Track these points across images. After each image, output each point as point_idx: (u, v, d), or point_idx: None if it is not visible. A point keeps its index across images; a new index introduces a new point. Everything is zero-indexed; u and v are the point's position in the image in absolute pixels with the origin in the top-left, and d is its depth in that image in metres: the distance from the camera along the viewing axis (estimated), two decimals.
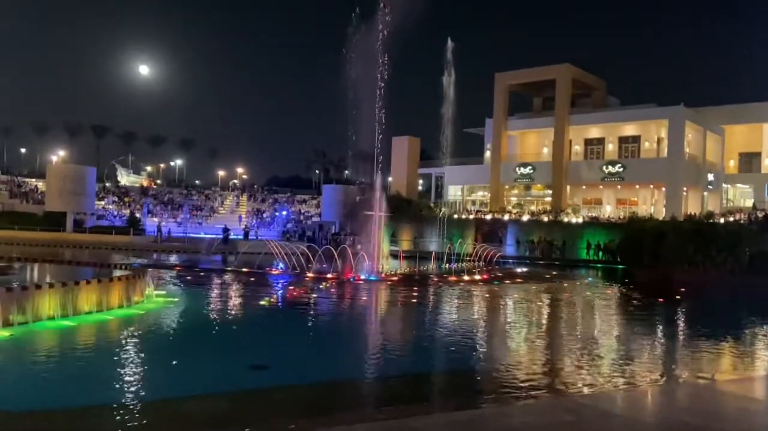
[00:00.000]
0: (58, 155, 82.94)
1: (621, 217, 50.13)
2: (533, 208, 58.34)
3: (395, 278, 27.27)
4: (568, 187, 56.57)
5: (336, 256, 29.08)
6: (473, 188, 65.77)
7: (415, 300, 21.75)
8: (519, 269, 35.89)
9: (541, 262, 42.52)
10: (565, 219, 49.95)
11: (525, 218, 52.53)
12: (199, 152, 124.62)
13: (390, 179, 70.20)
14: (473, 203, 64.33)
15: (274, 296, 22.17)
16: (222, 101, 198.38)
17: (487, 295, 23.96)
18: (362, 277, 26.45)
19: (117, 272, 17.67)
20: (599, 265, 41.44)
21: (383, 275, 27.89)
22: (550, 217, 51.18)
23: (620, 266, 38.94)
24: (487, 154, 63.00)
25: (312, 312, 18.56)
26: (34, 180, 66.51)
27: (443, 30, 79.41)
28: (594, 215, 53.14)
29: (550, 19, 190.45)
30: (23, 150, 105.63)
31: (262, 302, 19.47)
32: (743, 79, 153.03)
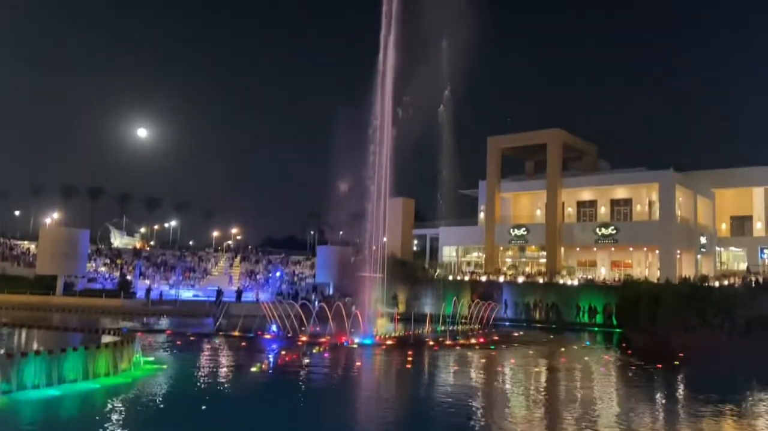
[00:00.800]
0: (51, 218, 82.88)
1: (616, 279, 49.99)
2: (528, 269, 58.20)
3: (390, 342, 26.82)
4: (563, 249, 56.64)
5: (330, 318, 28.67)
6: (468, 249, 65.77)
7: (409, 366, 21.27)
8: (515, 333, 35.42)
9: (538, 325, 42.04)
10: (561, 281, 49.75)
11: (520, 279, 52.31)
12: (194, 213, 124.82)
13: (384, 239, 70.28)
14: (468, 263, 64.19)
15: (265, 362, 21.59)
16: (218, 163, 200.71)
17: (484, 360, 23.53)
18: (356, 341, 26.01)
19: (105, 339, 17.32)
20: (596, 328, 40.97)
21: (378, 338, 27.44)
22: (545, 279, 50.99)
23: (617, 330, 38.50)
24: (481, 215, 63.41)
25: (303, 381, 18.06)
26: (26, 243, 66.15)
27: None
28: (589, 277, 52.96)
29: (541, 84, 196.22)
30: (17, 212, 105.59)
31: (253, 370, 18.97)
32: (732, 144, 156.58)
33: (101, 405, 13.09)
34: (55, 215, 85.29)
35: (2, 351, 13.78)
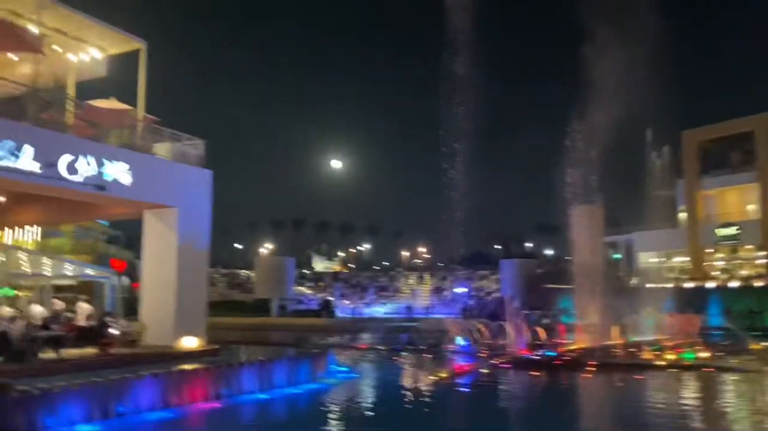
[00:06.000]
0: (265, 248, 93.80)
1: None
2: (743, 272, 51.93)
3: (574, 354, 26.16)
4: None
5: (512, 332, 28.81)
6: (669, 254, 60.65)
7: (596, 385, 20.63)
8: (733, 346, 30.83)
9: (758, 334, 37.27)
10: None
11: (733, 284, 46.93)
12: (384, 235, 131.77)
13: (573, 250, 67.76)
14: (669, 269, 59.16)
15: (447, 372, 22.57)
16: (404, 185, 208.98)
17: (704, 382, 20.48)
18: (539, 353, 25.86)
19: (303, 352, 19.85)
20: None
21: (560, 350, 26.94)
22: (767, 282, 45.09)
23: None
24: (681, 216, 58.26)
25: (477, 388, 18.82)
26: (245, 272, 75.86)
27: None
28: None
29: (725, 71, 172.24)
30: (238, 245, 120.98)
31: (434, 378, 20.11)
32: None
33: (304, 407, 15.37)
34: (268, 246, 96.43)
35: (224, 364, 16.67)
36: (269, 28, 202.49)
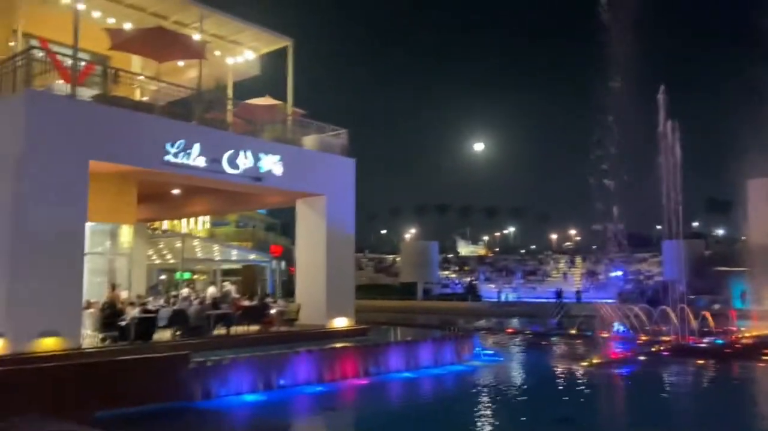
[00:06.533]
0: (410, 233, 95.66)
1: None
2: None
3: (747, 342, 23.63)
4: None
5: (676, 318, 26.71)
6: None
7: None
8: None
9: None
10: None
11: None
12: (530, 218, 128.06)
13: (748, 229, 60.84)
14: None
15: (597, 357, 21.49)
16: (548, 167, 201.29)
17: None
18: (705, 340, 23.72)
19: (448, 334, 20.05)
20: None
21: (732, 338, 24.48)
22: None
23: None
24: None
25: (629, 377, 17.72)
26: (391, 256, 78.01)
27: None
28: None
29: None
30: (383, 231, 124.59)
31: (583, 364, 19.26)
32: None
33: (446, 386, 15.66)
34: (412, 231, 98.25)
35: (372, 343, 17.34)
36: (410, 13, 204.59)
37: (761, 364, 19.76)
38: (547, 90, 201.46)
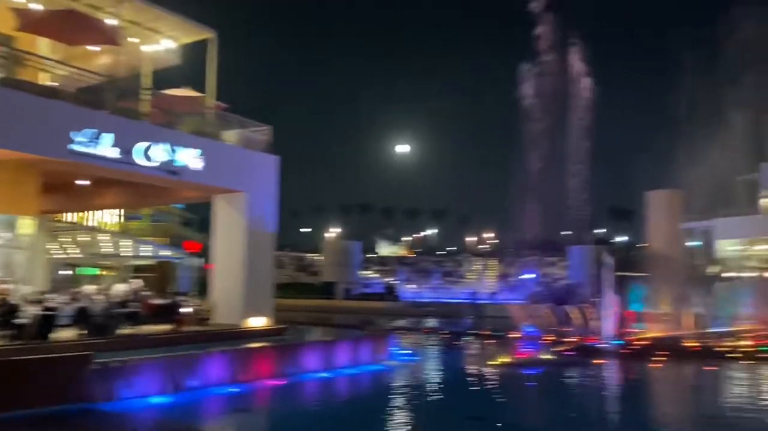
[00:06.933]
0: (331, 233, 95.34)
1: None
2: None
3: (644, 343, 25.29)
4: None
5: (578, 318, 28.23)
6: (753, 242, 57.25)
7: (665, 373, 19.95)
8: None
9: None
10: None
11: None
12: (451, 220, 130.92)
13: (649, 236, 65.05)
14: (749, 258, 55.88)
15: (506, 357, 22.34)
16: (469, 170, 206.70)
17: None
18: (606, 342, 25.19)
19: (365, 334, 20.20)
20: None
21: (629, 339, 26.13)
22: None
23: None
24: (763, 202, 54.78)
25: (536, 374, 18.55)
26: (312, 255, 77.49)
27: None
28: None
29: None
30: (305, 230, 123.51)
31: (493, 363, 19.97)
32: None
33: (362, 386, 15.86)
34: (335, 230, 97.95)
35: (288, 343, 17.21)
36: (335, 13, 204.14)
37: (654, 365, 21.23)
38: (471, 93, 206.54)
